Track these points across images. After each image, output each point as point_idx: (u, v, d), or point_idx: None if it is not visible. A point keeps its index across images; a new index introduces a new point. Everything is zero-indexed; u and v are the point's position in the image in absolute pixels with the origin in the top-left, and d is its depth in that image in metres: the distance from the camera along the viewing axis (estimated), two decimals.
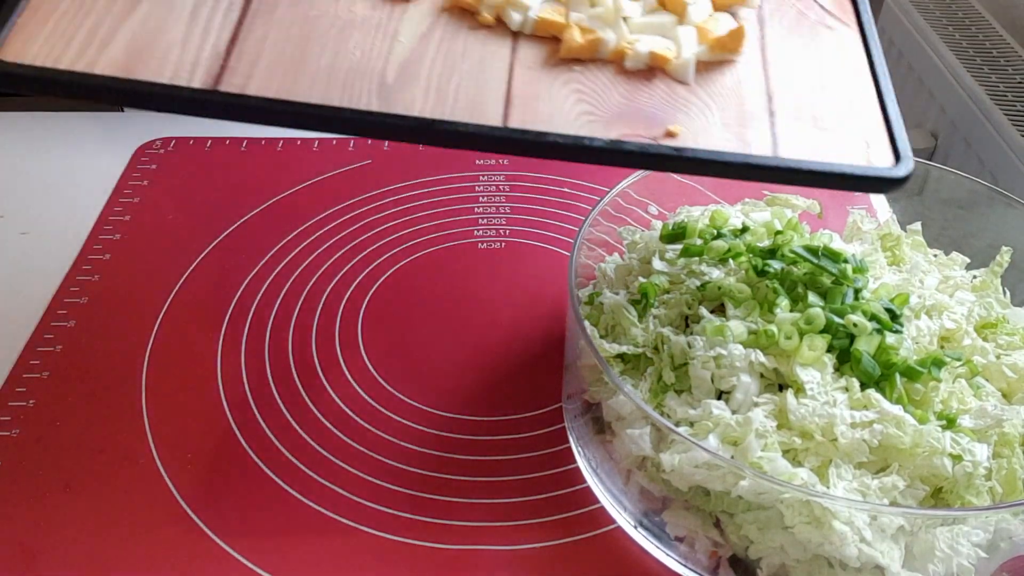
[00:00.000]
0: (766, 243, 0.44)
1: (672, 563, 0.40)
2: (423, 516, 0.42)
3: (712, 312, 0.41)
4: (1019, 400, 0.39)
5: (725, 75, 0.37)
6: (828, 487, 0.35)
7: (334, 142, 0.68)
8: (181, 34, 0.35)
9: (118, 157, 0.65)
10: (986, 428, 0.37)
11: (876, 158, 0.34)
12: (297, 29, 0.36)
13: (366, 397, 0.48)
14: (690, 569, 0.39)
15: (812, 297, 0.40)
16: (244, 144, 0.67)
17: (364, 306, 0.54)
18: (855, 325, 0.38)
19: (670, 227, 0.46)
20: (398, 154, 0.67)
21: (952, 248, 0.48)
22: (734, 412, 0.37)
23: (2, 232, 0.59)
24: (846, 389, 0.37)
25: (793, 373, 0.37)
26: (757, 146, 0.34)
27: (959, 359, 0.39)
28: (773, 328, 0.38)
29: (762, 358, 0.38)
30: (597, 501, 0.43)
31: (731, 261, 0.44)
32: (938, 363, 0.38)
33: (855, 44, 0.39)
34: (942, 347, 0.41)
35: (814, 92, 0.37)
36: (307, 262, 0.57)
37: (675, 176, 0.52)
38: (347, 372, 0.50)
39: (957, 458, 0.35)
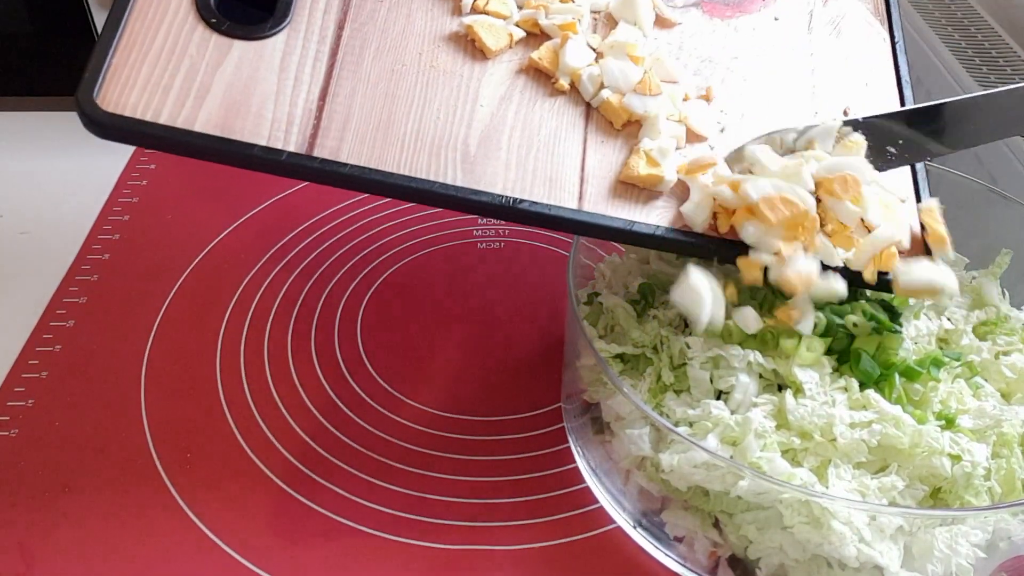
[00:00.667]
0: None
1: (671, 563, 0.40)
2: (423, 516, 0.43)
3: None
4: (1018, 400, 0.39)
5: None
6: (827, 487, 0.35)
7: None
8: (273, 86, 0.35)
9: (118, 157, 0.65)
10: (985, 428, 0.37)
11: None
12: (384, 86, 0.37)
13: (366, 397, 0.49)
14: (689, 569, 0.39)
15: None
16: None
17: (364, 306, 0.54)
18: (855, 325, 0.38)
19: None
20: None
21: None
22: (733, 412, 0.37)
23: (2, 232, 0.59)
24: (845, 389, 0.37)
25: (791, 374, 0.37)
26: None
27: (958, 359, 0.39)
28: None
29: (760, 359, 0.38)
30: (596, 501, 0.43)
31: None
32: (937, 363, 0.38)
33: None
34: (941, 347, 0.41)
35: None
36: (307, 262, 0.57)
37: None
38: (347, 372, 0.50)
39: (956, 458, 0.35)
